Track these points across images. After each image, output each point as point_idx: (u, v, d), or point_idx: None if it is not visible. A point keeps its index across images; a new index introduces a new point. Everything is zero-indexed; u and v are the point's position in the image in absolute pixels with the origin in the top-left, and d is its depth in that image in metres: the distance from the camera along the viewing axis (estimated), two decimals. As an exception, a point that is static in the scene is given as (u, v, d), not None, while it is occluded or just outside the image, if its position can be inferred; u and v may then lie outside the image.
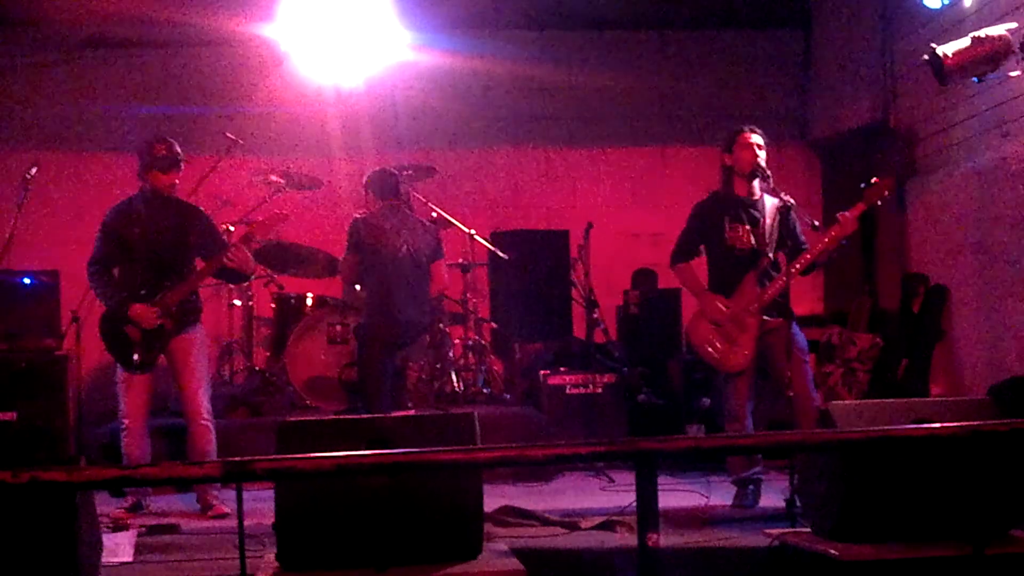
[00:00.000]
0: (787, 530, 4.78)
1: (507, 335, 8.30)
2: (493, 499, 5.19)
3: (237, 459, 2.92)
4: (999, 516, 4.44)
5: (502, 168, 9.32)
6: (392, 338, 6.72)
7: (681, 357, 7.65)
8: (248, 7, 8.12)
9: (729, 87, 9.34)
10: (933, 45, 5.91)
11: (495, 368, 8.33)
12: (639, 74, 9.30)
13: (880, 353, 7.61)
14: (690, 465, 6.68)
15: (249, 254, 5.93)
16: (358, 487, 4.15)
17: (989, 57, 5.82)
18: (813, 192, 9.47)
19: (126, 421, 5.76)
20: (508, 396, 8.00)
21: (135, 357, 5.71)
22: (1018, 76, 5.91)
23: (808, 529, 4.68)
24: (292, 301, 7.68)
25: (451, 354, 7.82)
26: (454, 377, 7.70)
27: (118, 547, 4.91)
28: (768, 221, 5.78)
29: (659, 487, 3.10)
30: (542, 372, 7.50)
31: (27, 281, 7.07)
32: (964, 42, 5.83)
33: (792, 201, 5.77)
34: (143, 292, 5.75)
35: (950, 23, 7.11)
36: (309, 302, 7.66)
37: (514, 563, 4.29)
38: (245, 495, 4.00)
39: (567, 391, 7.41)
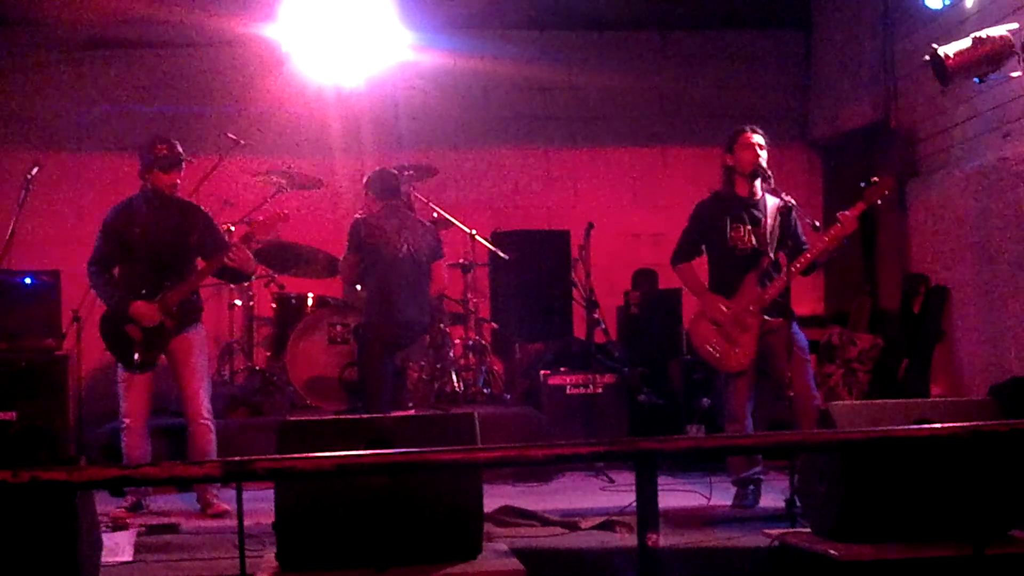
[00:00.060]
0: (787, 530, 4.79)
1: (507, 335, 8.30)
2: (493, 499, 5.19)
3: (237, 459, 2.91)
4: (999, 516, 4.45)
5: (502, 168, 9.30)
6: (392, 338, 6.73)
7: (681, 357, 7.63)
8: (249, 7, 8.12)
9: (729, 87, 9.33)
10: (934, 45, 5.90)
11: (495, 368, 8.33)
12: (639, 74, 9.30)
13: (880, 353, 7.61)
14: (690, 465, 6.68)
15: (250, 254, 5.93)
16: (358, 487, 4.15)
17: (990, 58, 5.81)
18: (813, 192, 9.45)
19: (127, 421, 5.77)
20: (508, 396, 8.00)
21: (136, 356, 5.71)
22: (1019, 77, 5.89)
23: (808, 529, 4.69)
24: (293, 301, 7.68)
25: (451, 354, 7.82)
26: (454, 377, 7.71)
27: (118, 546, 4.91)
28: (769, 221, 5.77)
29: (659, 487, 3.09)
30: (542, 372, 7.50)
31: (28, 281, 7.07)
32: (965, 43, 5.82)
33: (793, 201, 5.77)
34: (144, 292, 5.76)
35: (951, 23, 7.11)
36: (310, 302, 7.66)
37: (514, 563, 4.29)
38: (245, 495, 4.00)
39: (567, 391, 7.41)
